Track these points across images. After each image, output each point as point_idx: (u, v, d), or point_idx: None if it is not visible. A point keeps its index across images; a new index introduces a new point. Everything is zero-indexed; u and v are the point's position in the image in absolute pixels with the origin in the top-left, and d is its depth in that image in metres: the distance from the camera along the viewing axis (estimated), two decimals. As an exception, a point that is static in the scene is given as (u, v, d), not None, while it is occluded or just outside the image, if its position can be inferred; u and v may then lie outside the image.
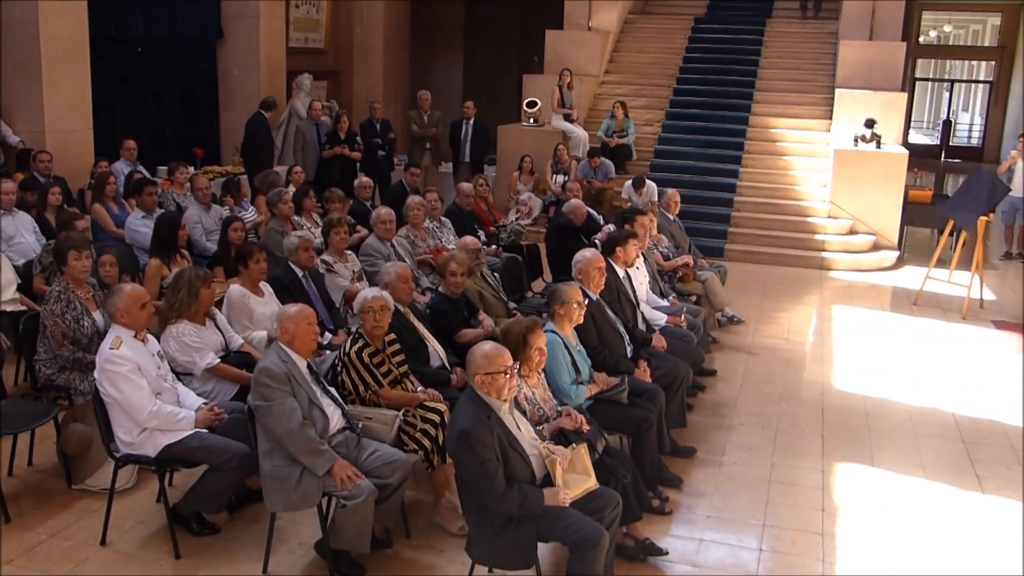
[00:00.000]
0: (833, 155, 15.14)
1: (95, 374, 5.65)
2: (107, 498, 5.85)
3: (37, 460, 6.76)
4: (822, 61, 18.47)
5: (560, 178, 15.04)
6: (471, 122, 16.47)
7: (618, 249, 7.99)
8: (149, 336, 5.88)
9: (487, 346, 4.99)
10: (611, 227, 10.29)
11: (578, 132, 16.63)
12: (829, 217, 15.07)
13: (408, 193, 12.05)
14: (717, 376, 9.14)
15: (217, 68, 16.70)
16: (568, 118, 16.71)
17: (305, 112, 15.57)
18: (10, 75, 12.59)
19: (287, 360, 5.42)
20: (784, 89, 17.88)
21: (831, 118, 16.61)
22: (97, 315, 6.63)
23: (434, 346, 6.86)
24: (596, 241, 9.70)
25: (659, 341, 7.64)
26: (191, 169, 12.45)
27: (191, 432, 5.66)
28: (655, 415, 6.47)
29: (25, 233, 9.35)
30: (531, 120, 16.91)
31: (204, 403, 5.91)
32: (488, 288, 8.31)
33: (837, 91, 16.52)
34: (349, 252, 8.80)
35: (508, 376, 4.89)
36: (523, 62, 22.25)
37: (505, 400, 4.95)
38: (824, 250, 14.60)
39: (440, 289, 7.53)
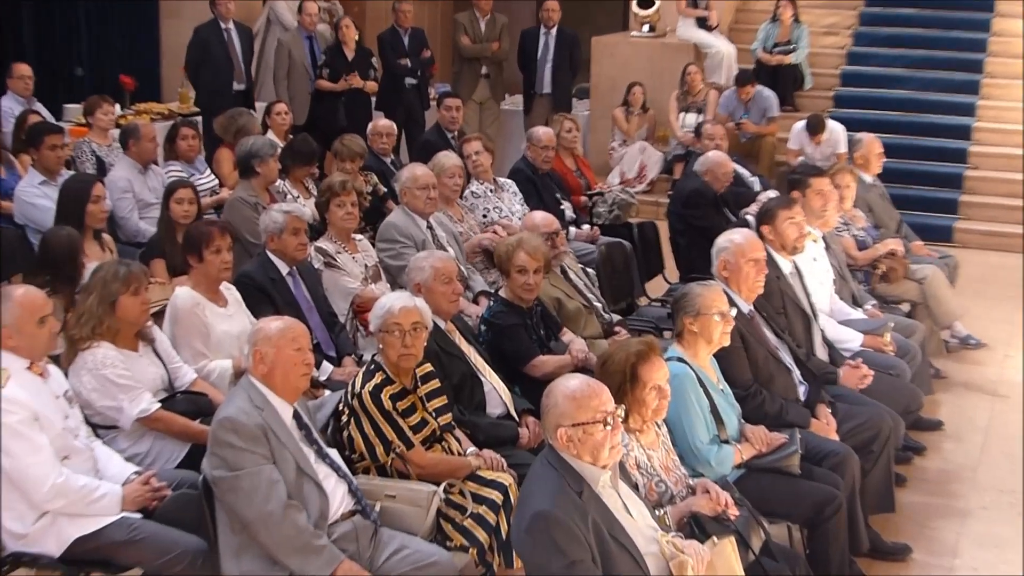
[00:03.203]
0: None
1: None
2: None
3: None
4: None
5: (692, 118, 15.00)
6: (552, 32, 16.44)
7: (764, 228, 7.94)
8: (52, 368, 5.95)
9: (574, 382, 4.96)
10: (772, 195, 10.23)
11: (719, 46, 16.58)
12: (1122, 178, 14.88)
13: (445, 142, 12.09)
14: (944, 431, 9.04)
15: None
16: (704, 24, 16.66)
17: (293, 19, 15.67)
18: None
19: (263, 406, 5.45)
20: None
21: None
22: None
23: (493, 383, 6.89)
24: (747, 218, 9.65)
25: (853, 376, 7.58)
26: (117, 108, 12.61)
27: (116, 518, 5.68)
28: (845, 493, 6.40)
29: None
30: (645, 27, 16.88)
31: (136, 472, 5.94)
32: (574, 292, 8.34)
33: None
34: (360, 237, 8.86)
35: (609, 428, 4.86)
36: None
37: (605, 467, 4.93)
38: (1117, 229, 14.40)
39: (502, 294, 7.55)
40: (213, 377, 6.94)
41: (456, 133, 12.64)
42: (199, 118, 13.78)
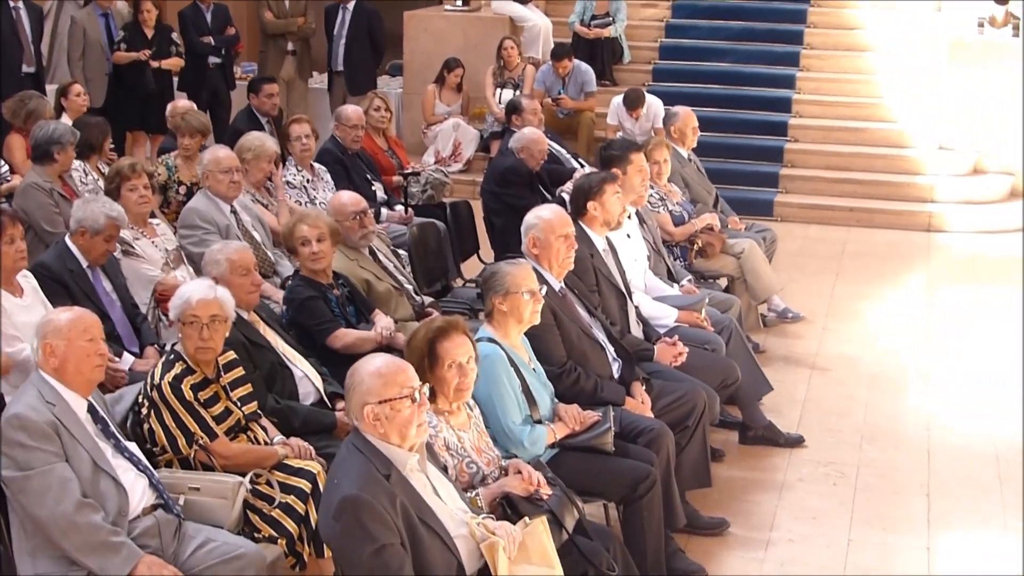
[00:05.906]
0: (946, 50, 15.30)
1: None
2: None
3: None
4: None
5: (508, 94, 15.09)
6: (350, 7, 16.37)
7: (590, 204, 7.99)
8: None
9: (379, 360, 5.03)
10: (587, 171, 10.31)
11: (535, 19, 16.70)
12: (940, 149, 15.27)
13: (258, 128, 11.95)
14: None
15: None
16: (520, -3, 16.81)
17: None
18: None
19: (55, 401, 5.42)
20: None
21: (941, -9, 16.78)
22: None
23: (304, 369, 6.95)
24: (563, 195, 9.74)
25: (668, 353, 7.73)
26: None
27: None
28: (660, 469, 6.52)
29: None
30: (459, 2, 16.94)
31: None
32: (383, 274, 8.38)
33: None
34: (157, 221, 8.82)
35: (416, 404, 4.94)
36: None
37: (413, 448, 4.99)
38: (932, 201, 14.79)
39: (301, 272, 7.62)
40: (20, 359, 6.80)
41: (271, 118, 12.54)
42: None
